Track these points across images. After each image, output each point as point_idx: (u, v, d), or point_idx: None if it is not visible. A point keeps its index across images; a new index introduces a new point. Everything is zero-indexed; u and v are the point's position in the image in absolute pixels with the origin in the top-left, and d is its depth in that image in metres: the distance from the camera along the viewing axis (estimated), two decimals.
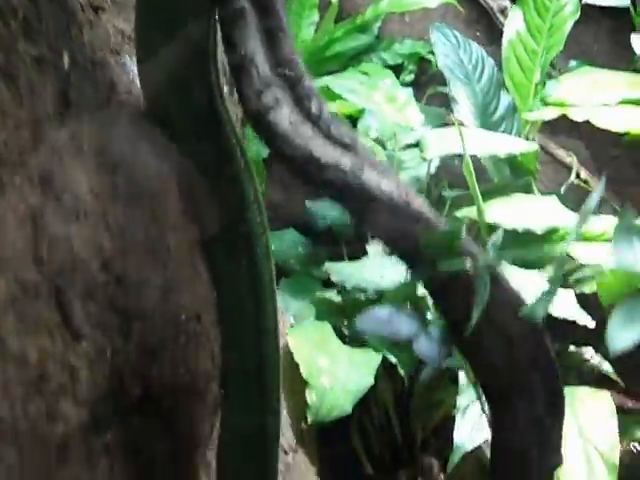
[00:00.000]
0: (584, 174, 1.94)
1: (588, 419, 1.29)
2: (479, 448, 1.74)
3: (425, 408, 1.86)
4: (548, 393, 0.64)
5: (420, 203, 0.62)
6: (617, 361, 1.65)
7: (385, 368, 1.87)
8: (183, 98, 0.83)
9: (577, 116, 1.54)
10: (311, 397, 1.39)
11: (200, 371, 0.79)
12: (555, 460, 0.67)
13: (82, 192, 0.69)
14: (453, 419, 1.74)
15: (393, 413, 1.90)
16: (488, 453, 1.74)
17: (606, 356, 1.66)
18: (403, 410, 1.92)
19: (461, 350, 0.63)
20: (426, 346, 0.63)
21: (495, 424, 0.67)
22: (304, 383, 1.40)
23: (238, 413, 0.87)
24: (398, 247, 0.62)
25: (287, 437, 1.35)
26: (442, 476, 1.96)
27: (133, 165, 0.78)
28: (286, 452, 1.32)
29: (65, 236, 0.66)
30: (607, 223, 1.45)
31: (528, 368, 0.63)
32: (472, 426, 1.43)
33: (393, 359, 1.59)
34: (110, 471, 0.71)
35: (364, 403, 1.92)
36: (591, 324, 1.36)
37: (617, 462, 1.30)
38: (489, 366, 0.64)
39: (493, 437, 0.69)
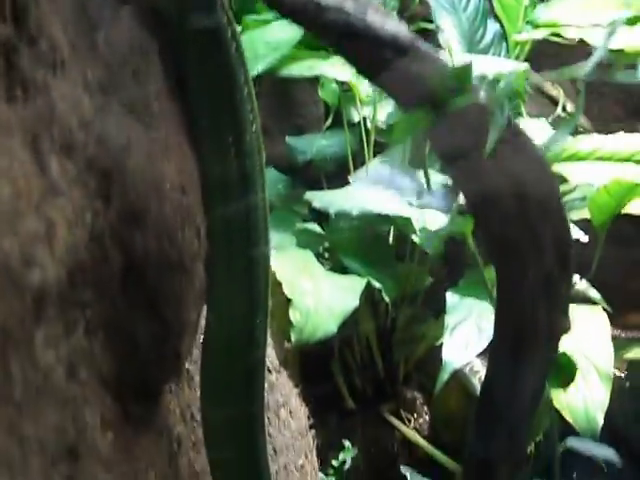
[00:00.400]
0: (570, 107, 1.91)
1: (583, 334, 1.28)
2: (464, 376, 1.72)
3: (407, 342, 1.84)
4: (558, 247, 0.60)
5: (426, 45, 0.58)
6: (602, 288, 1.64)
7: (367, 302, 1.84)
8: None
9: (569, 34, 1.50)
10: (295, 316, 1.35)
11: (186, 248, 0.74)
12: (563, 324, 0.63)
13: (60, 43, 0.64)
14: (435, 353, 1.71)
15: (375, 348, 1.87)
16: (474, 380, 1.73)
17: (593, 283, 1.65)
18: (385, 345, 1.90)
19: (468, 204, 0.60)
20: (430, 202, 0.59)
21: (502, 285, 0.64)
22: (287, 303, 1.36)
23: (224, 303, 0.84)
24: (405, 90, 0.58)
25: (271, 357, 1.31)
26: (425, 409, 1.95)
27: (114, 27, 0.73)
28: (270, 371, 1.29)
29: (42, 84, 0.61)
30: (597, 140, 1.42)
31: (538, 218, 0.59)
32: (460, 344, 1.41)
33: (377, 284, 1.55)
34: (90, 350, 0.67)
35: (346, 338, 1.90)
36: (584, 239, 1.34)
37: (611, 374, 1.30)
38: (498, 217, 0.61)
39: (499, 302, 0.66)
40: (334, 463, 1.80)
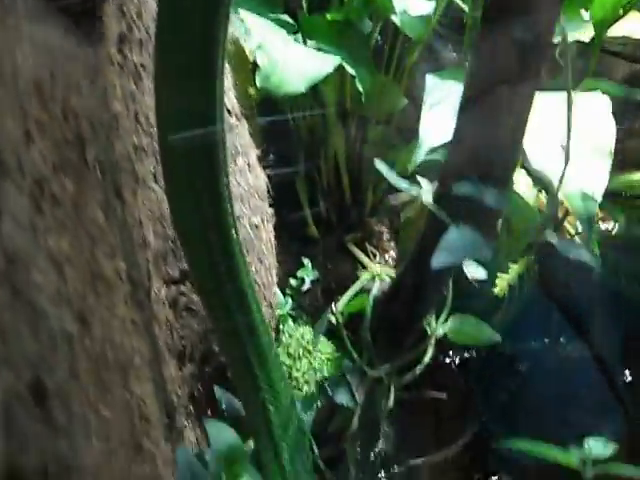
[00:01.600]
0: None
1: (581, 114, 1.16)
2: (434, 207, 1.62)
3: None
4: None
5: None
6: None
7: (339, 117, 1.72)
8: None
9: None
10: (262, 60, 1.22)
11: None
12: None
13: None
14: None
15: (344, 169, 1.76)
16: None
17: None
18: (354, 169, 1.78)
19: None
20: None
21: None
22: (256, 49, 1.22)
23: None
24: None
25: (232, 101, 1.18)
26: (392, 245, 1.84)
27: None
28: (230, 113, 1.16)
29: None
30: None
31: None
32: (438, 123, 1.29)
33: (351, 71, 1.42)
34: None
35: (313, 158, 1.78)
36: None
37: (611, 151, 1.20)
38: None
39: None
40: (292, 283, 1.69)
